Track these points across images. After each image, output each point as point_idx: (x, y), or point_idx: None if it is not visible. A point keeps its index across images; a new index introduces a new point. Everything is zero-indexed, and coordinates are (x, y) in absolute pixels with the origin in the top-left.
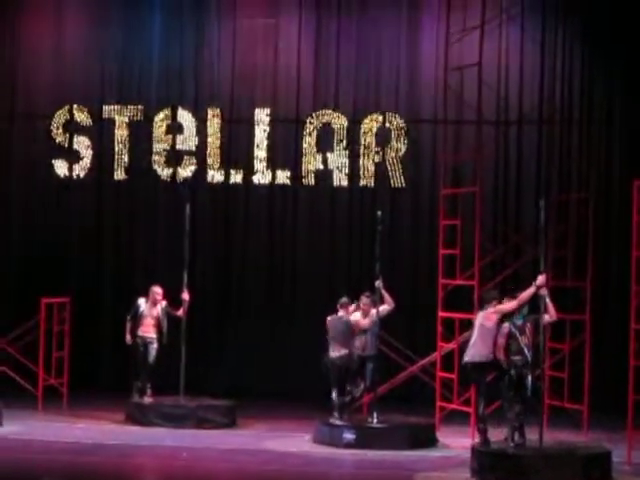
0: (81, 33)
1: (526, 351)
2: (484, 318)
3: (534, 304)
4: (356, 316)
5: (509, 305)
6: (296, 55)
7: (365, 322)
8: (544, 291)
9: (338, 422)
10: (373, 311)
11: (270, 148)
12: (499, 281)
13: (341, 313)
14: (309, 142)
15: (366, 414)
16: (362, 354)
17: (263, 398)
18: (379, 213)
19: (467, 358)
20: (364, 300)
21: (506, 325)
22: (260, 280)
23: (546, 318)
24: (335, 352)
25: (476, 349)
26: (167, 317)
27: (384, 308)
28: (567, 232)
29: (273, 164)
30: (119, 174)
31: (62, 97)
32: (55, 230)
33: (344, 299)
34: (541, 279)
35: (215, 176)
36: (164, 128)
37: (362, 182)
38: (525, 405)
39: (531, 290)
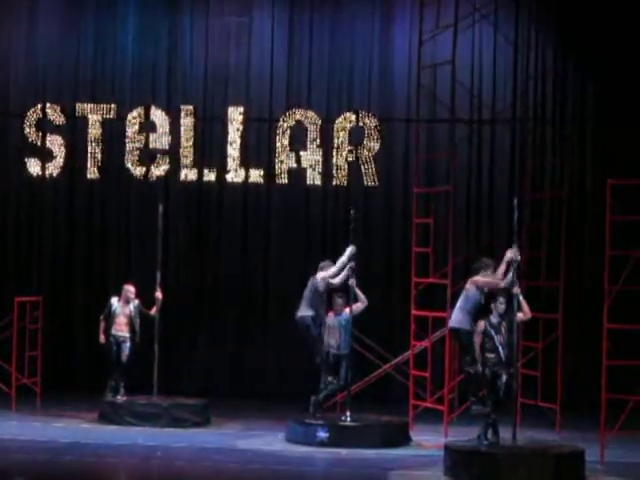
0: (54, 31)
1: (500, 350)
2: (466, 288)
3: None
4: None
5: (483, 279)
6: (269, 53)
7: (330, 274)
8: (517, 290)
9: (312, 421)
10: (347, 310)
11: (243, 147)
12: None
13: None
14: (282, 141)
15: (340, 412)
16: (336, 352)
17: (236, 397)
18: (352, 212)
19: (450, 323)
20: (337, 300)
21: (482, 323)
22: (233, 279)
23: (520, 316)
24: (299, 312)
25: (455, 316)
26: (140, 316)
27: (358, 306)
28: (541, 231)
29: (246, 163)
30: (92, 173)
31: (35, 95)
32: (28, 229)
33: (325, 262)
34: (509, 254)
35: (188, 175)
36: (137, 127)
37: (335, 181)
38: (497, 404)
39: (502, 267)
